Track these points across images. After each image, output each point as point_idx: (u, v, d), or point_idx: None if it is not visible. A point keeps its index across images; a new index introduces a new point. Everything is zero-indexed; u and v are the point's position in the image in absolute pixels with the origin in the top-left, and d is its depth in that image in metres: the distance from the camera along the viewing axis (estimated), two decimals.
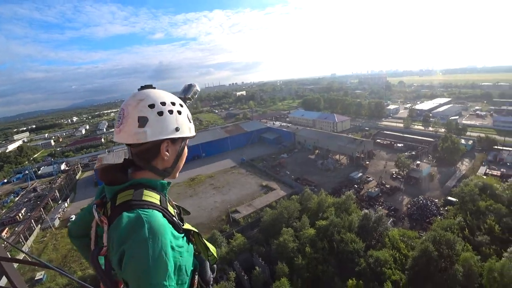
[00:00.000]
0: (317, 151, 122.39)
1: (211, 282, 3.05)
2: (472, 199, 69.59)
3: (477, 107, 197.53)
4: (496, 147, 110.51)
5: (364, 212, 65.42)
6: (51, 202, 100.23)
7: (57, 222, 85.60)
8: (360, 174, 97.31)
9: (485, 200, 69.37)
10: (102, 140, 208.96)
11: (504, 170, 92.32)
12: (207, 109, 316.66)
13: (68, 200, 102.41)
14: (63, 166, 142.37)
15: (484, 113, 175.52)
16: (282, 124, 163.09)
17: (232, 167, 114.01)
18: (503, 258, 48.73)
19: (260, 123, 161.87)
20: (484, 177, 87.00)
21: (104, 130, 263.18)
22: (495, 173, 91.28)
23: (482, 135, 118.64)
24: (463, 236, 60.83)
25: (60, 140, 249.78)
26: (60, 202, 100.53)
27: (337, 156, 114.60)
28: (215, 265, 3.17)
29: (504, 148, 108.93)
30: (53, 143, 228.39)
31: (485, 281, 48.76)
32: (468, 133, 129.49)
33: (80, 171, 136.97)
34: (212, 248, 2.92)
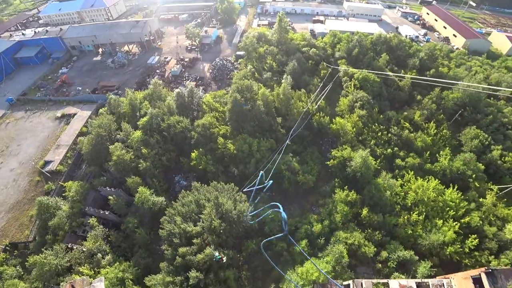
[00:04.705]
0: (100, 49, 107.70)
1: None
2: (254, 48, 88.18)
3: None
4: (261, 0, 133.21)
5: (176, 92, 70.02)
6: None
7: None
8: (157, 57, 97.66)
9: (262, 46, 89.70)
10: None
11: (270, 19, 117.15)
12: None
13: None
14: None
15: None
16: (37, 30, 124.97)
17: (0, 116, 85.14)
18: (282, 84, 69.67)
19: (4, 40, 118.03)
20: (258, 28, 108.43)
21: None
22: (264, 23, 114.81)
23: None
24: (255, 78, 78.76)
25: None
26: None
27: (126, 47, 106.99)
28: None
29: (266, 1, 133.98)
30: None
31: (277, 103, 69.28)
32: None
33: None
34: None
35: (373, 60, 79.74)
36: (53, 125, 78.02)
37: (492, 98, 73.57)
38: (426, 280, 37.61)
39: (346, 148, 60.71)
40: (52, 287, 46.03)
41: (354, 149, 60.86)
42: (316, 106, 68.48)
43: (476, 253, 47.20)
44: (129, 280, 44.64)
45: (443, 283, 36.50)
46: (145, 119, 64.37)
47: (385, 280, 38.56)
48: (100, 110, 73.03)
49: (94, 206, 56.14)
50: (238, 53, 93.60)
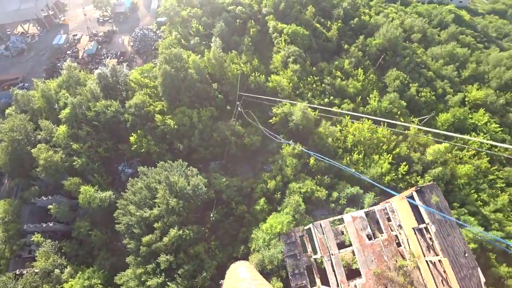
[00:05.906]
0: None
1: None
2: (176, 13, 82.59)
3: None
4: None
5: (96, 74, 63.50)
6: None
7: None
8: (64, 36, 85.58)
9: (185, 9, 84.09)
10: None
11: None
12: None
13: None
14: None
15: None
16: None
17: None
18: (211, 48, 66.40)
19: None
20: None
21: None
22: None
23: None
24: (182, 45, 74.65)
25: None
26: None
27: (20, 28, 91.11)
28: None
29: None
30: None
31: (209, 69, 67.44)
32: None
33: None
34: None
35: (300, 13, 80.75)
36: None
37: (407, 42, 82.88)
38: (372, 208, 43.81)
39: (285, 104, 63.27)
40: None
41: (293, 103, 63.82)
42: (250, 66, 68.69)
43: (407, 177, 56.98)
44: (98, 285, 43.35)
45: (385, 207, 42.93)
46: (66, 110, 57.97)
47: (339, 216, 43.93)
48: (7, 111, 63.36)
49: (33, 222, 51.49)
50: (159, 19, 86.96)
